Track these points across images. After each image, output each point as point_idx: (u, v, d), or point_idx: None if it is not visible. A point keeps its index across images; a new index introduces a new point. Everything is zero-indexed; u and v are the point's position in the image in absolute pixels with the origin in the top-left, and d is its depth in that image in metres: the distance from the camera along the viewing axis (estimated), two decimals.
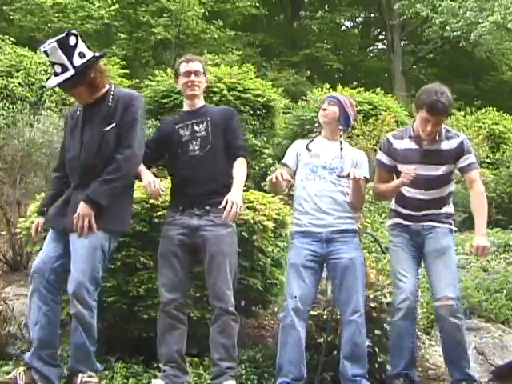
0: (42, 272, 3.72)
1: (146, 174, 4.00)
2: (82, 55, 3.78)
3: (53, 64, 3.78)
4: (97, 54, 3.87)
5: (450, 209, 4.32)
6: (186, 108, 4.21)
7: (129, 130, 3.77)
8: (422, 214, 4.25)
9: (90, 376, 3.72)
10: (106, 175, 3.71)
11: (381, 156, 4.36)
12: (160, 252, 3.97)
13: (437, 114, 4.02)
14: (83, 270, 3.66)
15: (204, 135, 4.06)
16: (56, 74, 3.78)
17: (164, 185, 4.08)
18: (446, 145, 4.18)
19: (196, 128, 4.08)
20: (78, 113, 3.92)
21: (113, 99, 3.83)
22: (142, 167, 3.97)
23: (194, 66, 4.13)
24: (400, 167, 4.23)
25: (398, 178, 4.23)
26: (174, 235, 3.93)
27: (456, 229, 4.41)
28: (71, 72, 3.74)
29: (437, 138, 4.17)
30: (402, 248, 4.27)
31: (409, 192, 4.25)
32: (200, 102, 4.18)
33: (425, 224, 4.24)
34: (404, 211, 4.31)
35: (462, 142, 4.20)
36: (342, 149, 4.20)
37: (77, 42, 3.77)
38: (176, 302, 3.89)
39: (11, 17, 16.45)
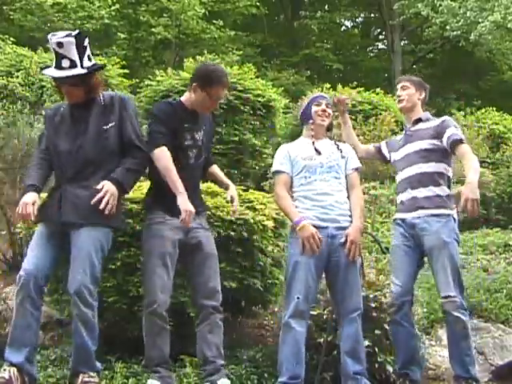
0: (35, 278, 3.67)
1: (185, 197, 3.83)
2: (89, 58, 3.86)
3: (61, 57, 3.76)
4: (100, 63, 4.01)
5: (442, 191, 4.29)
6: (190, 106, 4.07)
7: (131, 127, 3.87)
8: (410, 196, 4.31)
9: (91, 376, 3.71)
10: (129, 165, 3.79)
11: None
12: (154, 251, 3.87)
13: (398, 81, 4.68)
14: (85, 269, 3.65)
15: (200, 146, 4.08)
16: (60, 68, 3.77)
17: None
18: (428, 124, 4.45)
19: (196, 136, 4.06)
20: (63, 109, 3.94)
21: (103, 100, 3.90)
22: (176, 177, 3.83)
23: (224, 95, 4.14)
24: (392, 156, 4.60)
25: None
26: (169, 235, 3.88)
27: (455, 212, 4.34)
28: (81, 70, 3.77)
29: (416, 117, 4.49)
30: (396, 250, 4.38)
31: (399, 177, 4.47)
32: None
33: (418, 215, 4.26)
34: (398, 199, 4.47)
35: (443, 120, 4.42)
36: (338, 146, 4.29)
37: (88, 45, 3.85)
38: (166, 304, 3.88)
39: (11, 17, 16.45)
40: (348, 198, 4.16)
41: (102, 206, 3.65)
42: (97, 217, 3.67)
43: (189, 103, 4.07)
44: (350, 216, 4.10)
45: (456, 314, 4.13)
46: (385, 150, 4.69)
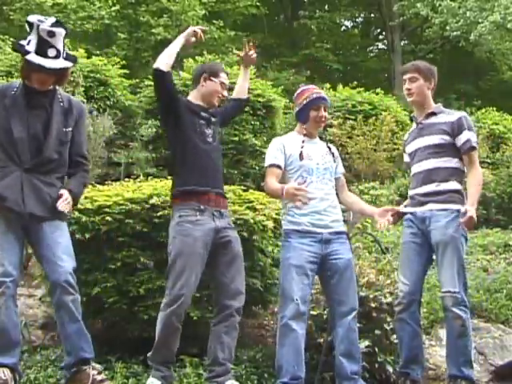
0: (14, 278, 3.62)
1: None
2: (66, 49, 3.83)
3: (49, 46, 3.69)
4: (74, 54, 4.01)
5: (453, 185, 4.23)
6: (198, 102, 4.18)
7: (84, 139, 3.98)
8: (423, 191, 4.25)
9: (99, 372, 3.72)
10: (83, 178, 3.94)
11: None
12: (184, 251, 3.81)
13: (405, 71, 4.41)
14: (68, 258, 3.66)
15: (213, 128, 4.15)
16: (46, 56, 3.68)
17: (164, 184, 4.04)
18: (441, 118, 4.35)
19: (209, 123, 4.14)
20: (14, 92, 3.77)
21: (62, 100, 3.86)
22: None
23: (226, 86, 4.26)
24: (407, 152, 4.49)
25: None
26: (200, 236, 3.83)
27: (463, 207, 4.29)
28: (67, 63, 3.75)
29: (429, 111, 4.37)
30: (406, 247, 4.34)
31: (412, 171, 4.41)
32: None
33: (428, 210, 4.22)
34: (410, 193, 4.41)
35: (460, 117, 4.30)
36: (329, 147, 4.32)
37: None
38: (187, 305, 3.87)
39: (11, 17, 16.44)
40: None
41: (61, 208, 3.70)
42: (60, 213, 3.72)
43: (196, 98, 4.19)
44: (344, 221, 4.12)
45: (455, 309, 4.08)
46: (407, 159, 4.56)
